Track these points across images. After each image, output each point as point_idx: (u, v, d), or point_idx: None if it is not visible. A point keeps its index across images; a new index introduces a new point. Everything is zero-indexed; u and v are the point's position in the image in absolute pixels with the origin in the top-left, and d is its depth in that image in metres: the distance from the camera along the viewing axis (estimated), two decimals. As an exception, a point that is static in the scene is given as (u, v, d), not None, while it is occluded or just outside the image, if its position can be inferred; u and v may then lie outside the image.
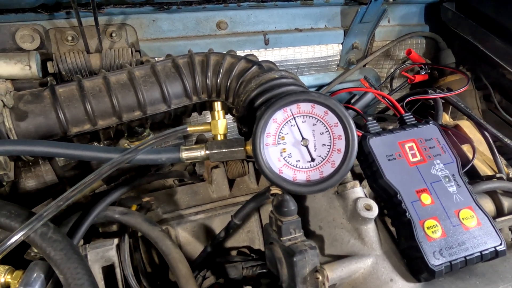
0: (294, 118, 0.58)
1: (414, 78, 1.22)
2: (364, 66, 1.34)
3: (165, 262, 0.66)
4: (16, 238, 0.53)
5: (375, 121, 0.66)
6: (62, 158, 0.98)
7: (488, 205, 0.72)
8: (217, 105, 0.67)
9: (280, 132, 0.58)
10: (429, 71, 1.27)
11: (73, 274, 0.54)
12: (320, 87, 1.31)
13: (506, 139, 0.89)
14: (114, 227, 0.73)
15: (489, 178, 0.81)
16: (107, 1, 0.92)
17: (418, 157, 0.62)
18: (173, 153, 0.61)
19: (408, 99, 0.93)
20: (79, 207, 0.73)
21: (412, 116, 0.68)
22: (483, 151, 0.95)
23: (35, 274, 0.55)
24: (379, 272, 0.56)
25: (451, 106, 1.00)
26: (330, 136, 0.58)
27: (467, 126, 0.99)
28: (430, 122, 0.66)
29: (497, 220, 0.68)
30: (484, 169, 0.91)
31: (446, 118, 1.01)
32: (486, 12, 1.16)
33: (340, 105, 0.57)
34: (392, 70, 1.34)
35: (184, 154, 0.61)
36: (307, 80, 1.27)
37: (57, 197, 0.85)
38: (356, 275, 0.56)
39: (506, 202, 0.73)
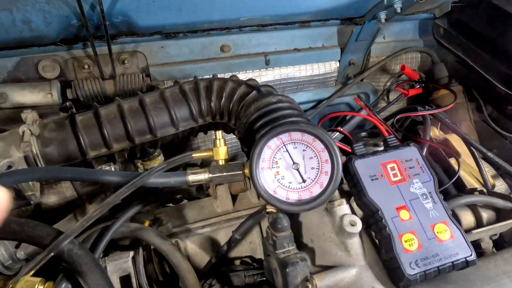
0: (285, 145, 0.66)
1: (408, 93, 1.29)
2: (361, 80, 1.41)
3: (175, 272, 0.75)
4: (44, 255, 0.61)
5: (361, 144, 0.74)
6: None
7: (468, 217, 0.79)
8: (218, 134, 0.75)
9: (274, 157, 0.66)
10: (423, 85, 1.33)
11: (96, 284, 0.62)
12: (319, 101, 1.38)
13: (489, 153, 0.95)
14: (130, 240, 0.81)
15: (473, 190, 0.87)
16: (120, 32, 1.00)
17: (399, 177, 0.69)
18: (180, 176, 0.69)
19: (398, 116, 1.00)
20: (98, 220, 0.82)
21: (395, 138, 0.75)
22: (470, 163, 1.02)
23: (64, 285, 0.64)
24: (362, 281, 0.63)
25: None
26: (318, 160, 0.66)
27: (455, 140, 1.06)
28: (411, 144, 0.73)
29: (476, 231, 0.74)
30: (470, 181, 0.98)
31: (436, 133, 1.08)
32: (476, 28, 1.22)
33: (325, 133, 0.65)
34: (388, 84, 1.41)
35: (190, 178, 0.69)
36: (307, 95, 1.35)
37: (76, 211, 0.94)
38: (342, 283, 0.63)
39: (485, 214, 0.79)
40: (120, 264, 0.74)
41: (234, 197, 0.92)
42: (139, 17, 0.94)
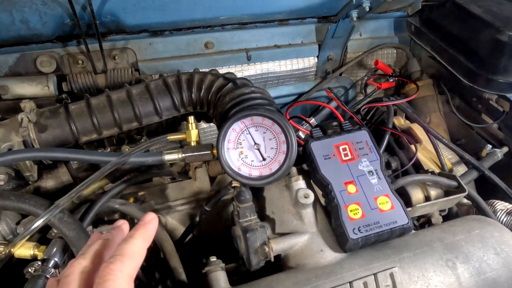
0: (248, 128, 0.75)
1: (381, 86, 1.38)
2: (340, 75, 1.50)
3: (156, 248, 0.85)
4: (40, 221, 0.71)
5: (318, 129, 0.83)
6: (75, 162, 1.18)
7: (418, 194, 0.88)
8: (190, 119, 0.85)
9: (238, 139, 0.76)
10: (396, 78, 1.43)
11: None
12: (300, 94, 1.47)
13: (444, 139, 1.04)
14: (116, 216, 0.91)
15: (426, 172, 0.96)
16: (110, 31, 1.10)
17: (349, 156, 0.79)
18: (157, 156, 0.79)
19: (364, 107, 1.09)
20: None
21: (349, 123, 0.84)
22: (431, 149, 1.11)
23: (55, 248, 0.74)
24: (313, 244, 0.72)
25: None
26: (276, 141, 0.76)
27: (418, 128, 1.15)
28: (362, 128, 0.83)
29: (420, 205, 0.83)
30: (429, 166, 1.07)
31: (401, 122, 1.17)
32: (443, 26, 1.31)
33: (283, 118, 0.74)
34: (365, 78, 1.51)
35: (166, 157, 0.79)
36: (288, 89, 1.44)
37: (72, 193, 1.03)
38: (295, 247, 0.73)
39: (433, 192, 0.88)
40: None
41: (212, 179, 1.01)
42: (126, 17, 1.04)
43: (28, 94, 1.05)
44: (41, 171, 1.07)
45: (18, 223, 0.93)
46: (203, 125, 1.35)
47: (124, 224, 0.56)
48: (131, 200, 0.90)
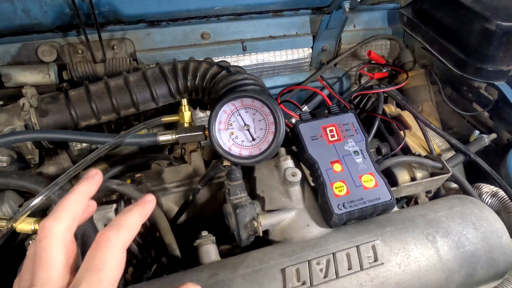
0: (238, 110, 0.79)
1: (374, 76, 1.41)
2: (335, 65, 1.53)
3: (153, 225, 0.88)
4: (40, 198, 0.75)
5: (307, 112, 0.86)
6: (76, 148, 1.22)
7: (404, 175, 0.91)
8: (184, 101, 0.88)
9: (229, 120, 0.79)
10: (388, 69, 1.46)
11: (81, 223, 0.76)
12: (295, 85, 1.51)
13: (432, 125, 1.07)
14: (114, 197, 0.95)
15: (413, 155, 0.99)
16: (109, 21, 1.14)
17: (336, 137, 0.82)
18: (152, 137, 0.83)
19: (354, 94, 1.12)
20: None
21: (337, 107, 0.87)
22: (420, 136, 1.14)
23: (55, 224, 0.78)
24: (300, 220, 0.76)
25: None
26: (266, 122, 0.79)
27: (408, 116, 1.18)
28: (349, 111, 0.86)
29: (404, 184, 0.87)
30: (418, 150, 1.10)
31: (392, 109, 1.20)
32: (434, 16, 1.34)
33: (271, 100, 0.78)
34: (358, 68, 1.54)
35: (160, 138, 0.82)
36: (283, 79, 1.47)
37: (72, 180, 1.07)
38: (283, 222, 0.76)
39: (419, 174, 0.91)
40: (104, 214, 0.87)
41: (207, 163, 1.05)
42: (123, 7, 1.08)
43: (30, 82, 1.09)
44: (43, 158, 1.11)
45: (20, 206, 0.97)
46: (200, 114, 1.39)
47: (96, 175, 0.56)
48: (128, 181, 0.93)
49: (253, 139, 0.79)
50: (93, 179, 0.57)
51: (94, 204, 0.59)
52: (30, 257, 0.51)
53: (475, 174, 1.15)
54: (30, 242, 0.74)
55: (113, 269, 0.49)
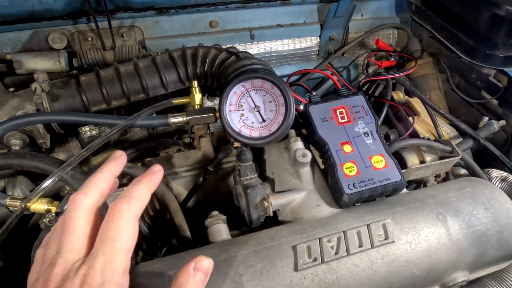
0: (248, 91, 0.79)
1: (382, 64, 1.41)
2: (342, 55, 1.53)
3: (162, 209, 0.89)
4: (53, 178, 0.76)
5: (317, 95, 0.87)
6: (86, 136, 1.23)
7: (414, 159, 0.91)
8: (194, 83, 0.89)
9: (239, 101, 0.80)
10: (396, 57, 1.45)
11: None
12: (303, 74, 1.51)
13: (441, 110, 1.07)
14: (125, 180, 0.96)
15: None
16: (118, 8, 1.15)
17: (346, 119, 0.82)
18: (163, 119, 0.83)
19: (363, 80, 1.12)
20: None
21: (346, 90, 0.88)
22: (429, 122, 1.14)
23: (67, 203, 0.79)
24: (310, 200, 0.76)
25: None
26: (276, 104, 0.79)
27: (417, 102, 1.18)
28: (359, 93, 0.86)
29: (414, 167, 0.87)
30: (426, 136, 1.10)
31: (400, 96, 1.20)
32: (443, 4, 1.34)
33: (281, 81, 0.78)
34: (366, 59, 1.53)
35: (171, 119, 0.83)
36: (291, 68, 1.47)
37: (82, 165, 1.08)
38: (293, 203, 0.76)
39: (429, 158, 0.91)
40: (115, 196, 0.87)
41: (216, 149, 1.05)
42: (132, -7, 1.09)
43: (41, 68, 1.10)
44: (53, 146, 1.12)
45: (31, 191, 0.98)
46: (208, 102, 1.40)
47: (121, 156, 0.61)
48: (139, 165, 0.94)
49: (263, 121, 0.80)
50: (119, 160, 0.60)
51: (117, 182, 0.61)
52: (58, 229, 0.53)
53: (483, 161, 1.15)
54: (45, 220, 0.75)
55: (127, 238, 0.51)
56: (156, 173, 0.62)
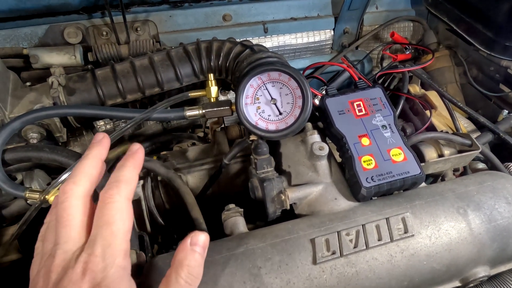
0: (265, 84, 0.79)
1: (397, 57, 1.39)
2: (356, 48, 1.51)
3: (178, 203, 0.89)
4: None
5: (334, 87, 0.86)
6: (101, 130, 1.24)
7: (432, 152, 0.90)
8: (210, 76, 0.88)
9: (256, 94, 0.79)
10: (412, 50, 1.43)
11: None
12: (316, 68, 1.50)
13: (459, 103, 1.05)
14: (141, 174, 0.96)
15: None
16: (133, 2, 1.15)
17: (363, 112, 0.81)
18: (179, 112, 0.83)
19: (379, 73, 1.11)
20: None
21: (364, 82, 0.87)
22: (446, 115, 1.12)
23: (85, 197, 0.79)
24: (327, 193, 0.75)
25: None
26: (293, 96, 0.79)
27: (434, 96, 1.16)
28: (376, 86, 0.85)
29: (432, 160, 0.85)
30: (443, 129, 1.08)
31: (416, 89, 1.18)
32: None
33: (299, 73, 0.77)
34: (381, 52, 1.51)
35: (187, 113, 0.83)
36: (304, 62, 1.46)
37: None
38: (310, 196, 0.76)
39: (447, 151, 0.90)
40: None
41: (230, 142, 1.05)
42: (148, -13, 1.09)
43: (57, 63, 1.11)
44: (69, 140, 1.13)
45: (48, 184, 0.99)
46: (221, 97, 1.39)
47: (104, 138, 0.60)
48: (155, 158, 0.94)
49: (280, 113, 0.79)
50: (102, 143, 0.59)
51: (104, 166, 0.60)
52: (52, 221, 0.53)
53: (502, 155, 1.13)
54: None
55: (123, 221, 0.51)
56: (137, 151, 0.60)
